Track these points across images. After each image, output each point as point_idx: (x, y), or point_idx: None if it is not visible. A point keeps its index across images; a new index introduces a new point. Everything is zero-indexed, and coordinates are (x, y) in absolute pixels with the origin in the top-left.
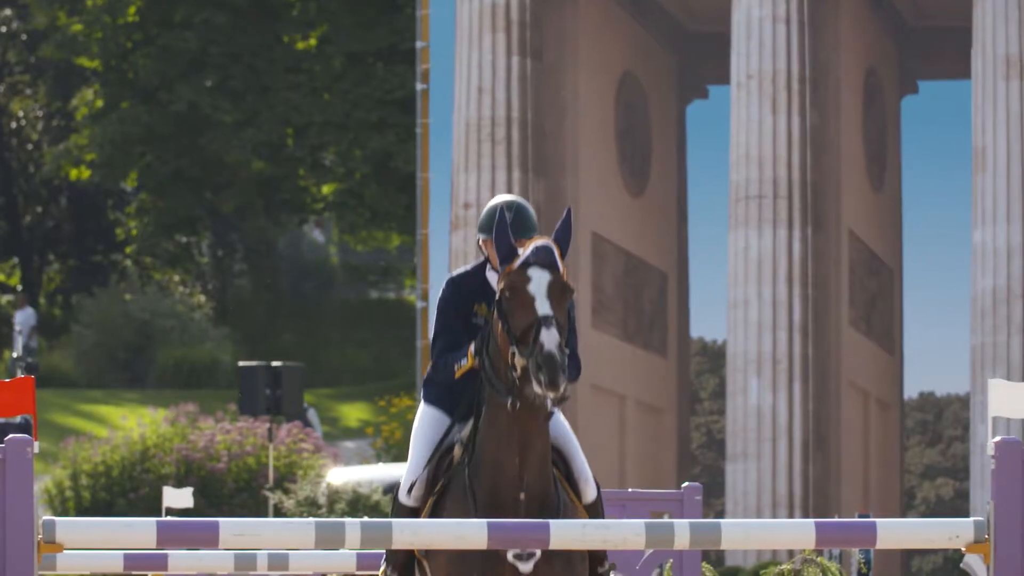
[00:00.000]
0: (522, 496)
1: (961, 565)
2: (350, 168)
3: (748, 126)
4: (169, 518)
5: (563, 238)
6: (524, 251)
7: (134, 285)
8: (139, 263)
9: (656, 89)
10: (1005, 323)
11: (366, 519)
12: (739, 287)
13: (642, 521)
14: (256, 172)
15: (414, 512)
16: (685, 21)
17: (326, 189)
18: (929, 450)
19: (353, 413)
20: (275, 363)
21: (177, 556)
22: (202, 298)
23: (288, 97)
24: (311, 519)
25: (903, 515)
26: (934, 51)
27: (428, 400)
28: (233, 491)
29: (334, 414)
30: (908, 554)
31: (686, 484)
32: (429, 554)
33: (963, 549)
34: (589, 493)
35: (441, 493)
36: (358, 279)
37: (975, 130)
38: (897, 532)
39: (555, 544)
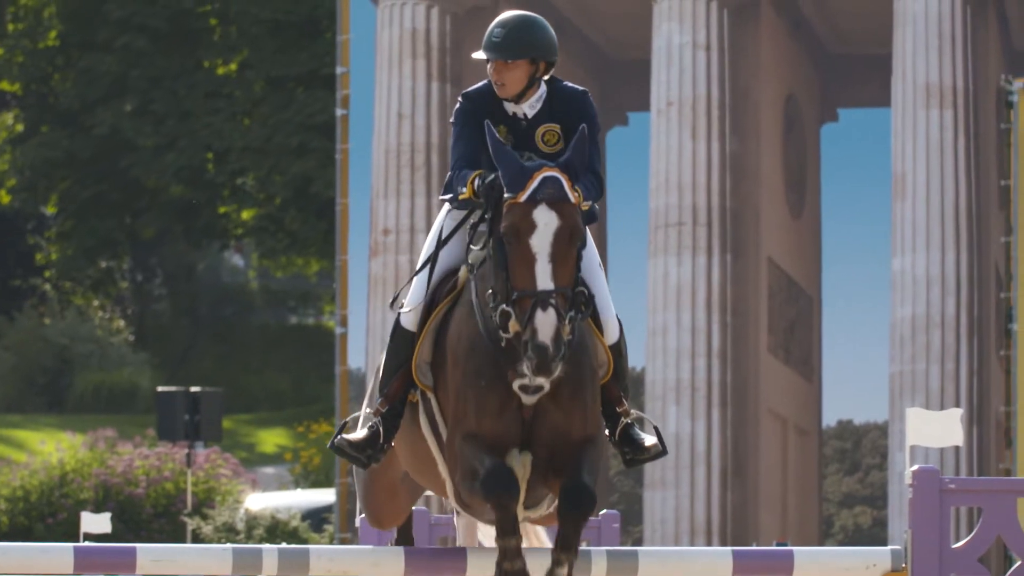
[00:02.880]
0: None
1: None
2: (270, 193)
3: (668, 153)
4: (87, 543)
5: (577, 161)
6: (531, 183)
7: (53, 309)
8: (59, 287)
9: None
10: (924, 351)
11: (284, 545)
12: (658, 314)
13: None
14: (176, 196)
15: (412, 336)
16: (605, 47)
17: (246, 214)
18: (847, 478)
19: (271, 439)
20: (194, 388)
21: None
22: (121, 323)
23: (209, 122)
24: (229, 545)
25: (821, 543)
26: (854, 78)
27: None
28: (151, 516)
29: (252, 440)
30: None
31: (603, 511)
32: (437, 384)
33: None
34: (611, 332)
35: (447, 311)
36: (277, 304)
37: (895, 157)
38: (814, 560)
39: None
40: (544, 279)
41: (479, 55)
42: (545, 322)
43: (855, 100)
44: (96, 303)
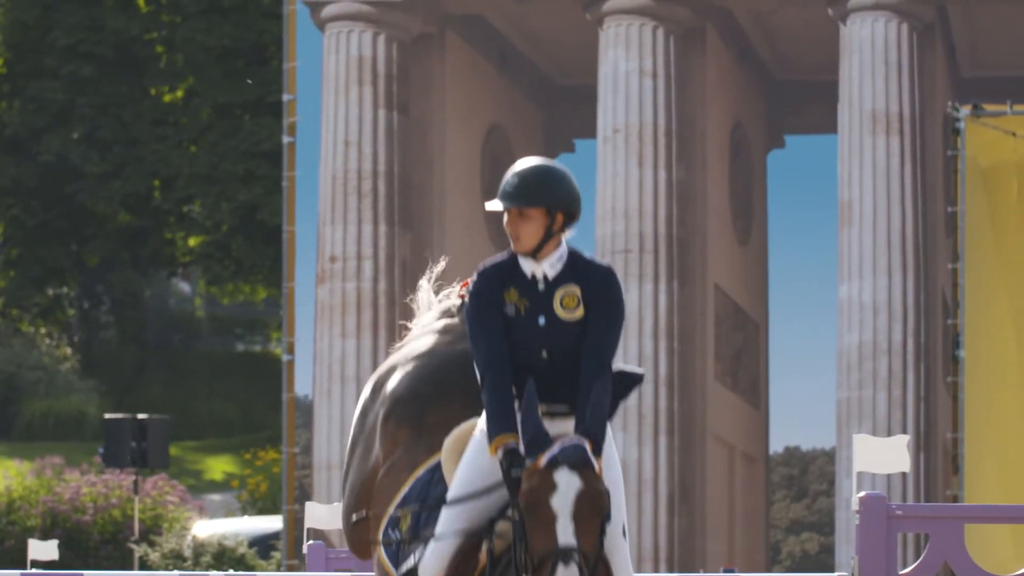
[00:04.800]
0: None
1: None
2: (217, 221)
3: (615, 180)
4: (34, 571)
5: (596, 429)
6: (552, 448)
7: (0, 337)
8: (6, 315)
9: (523, 142)
10: (871, 378)
11: (231, 572)
12: None
13: None
14: (123, 224)
15: None
16: (552, 74)
17: (193, 241)
18: (795, 504)
19: (219, 466)
20: (141, 415)
21: None
22: (68, 350)
23: (155, 149)
24: (176, 572)
25: (768, 570)
26: (801, 105)
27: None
28: (99, 543)
29: (200, 467)
30: None
31: None
32: None
33: None
34: None
35: None
36: (225, 332)
37: (841, 184)
38: None
39: None
40: (566, 535)
41: (493, 205)
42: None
43: (802, 127)
44: (43, 330)
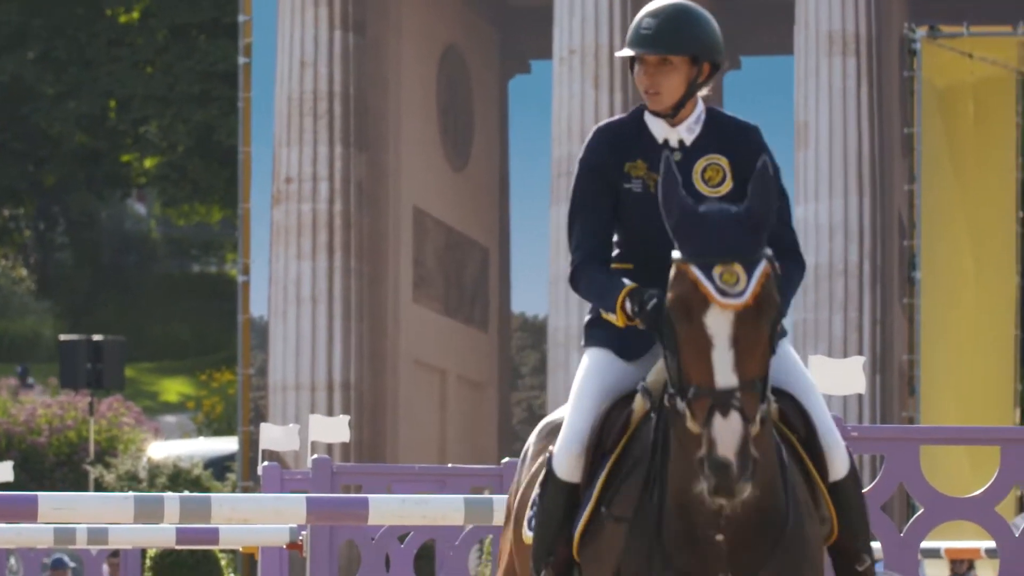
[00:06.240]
0: (719, 538)
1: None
2: (172, 142)
3: (570, 101)
4: None
5: (761, 209)
6: (701, 231)
7: None
8: None
9: (479, 64)
10: (827, 299)
11: (185, 493)
12: (560, 262)
13: (462, 497)
14: (79, 145)
15: (573, 489)
16: None
17: (148, 163)
18: None
19: (174, 387)
20: (96, 337)
21: None
22: (24, 271)
23: (111, 70)
24: (130, 493)
25: None
26: (756, 26)
27: (592, 341)
28: (54, 465)
29: (155, 388)
30: None
31: (506, 460)
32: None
33: None
34: (838, 466)
35: (615, 480)
36: (180, 253)
37: (797, 106)
38: None
39: (373, 519)
40: (724, 373)
41: (625, 53)
42: (726, 431)
43: (758, 48)
44: None
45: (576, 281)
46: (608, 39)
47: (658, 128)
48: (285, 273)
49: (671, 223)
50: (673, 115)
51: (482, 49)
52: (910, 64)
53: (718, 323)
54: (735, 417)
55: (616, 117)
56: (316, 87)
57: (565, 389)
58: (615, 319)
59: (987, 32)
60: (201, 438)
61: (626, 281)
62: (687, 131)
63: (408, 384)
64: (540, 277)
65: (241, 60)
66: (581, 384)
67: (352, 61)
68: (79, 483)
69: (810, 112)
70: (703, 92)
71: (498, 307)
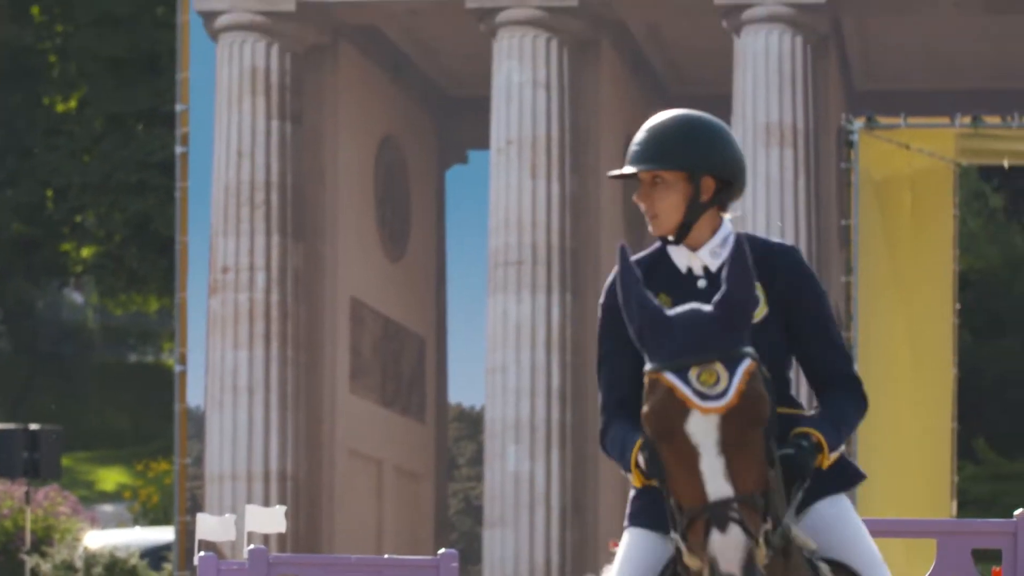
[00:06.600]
0: None
1: None
2: (109, 231)
3: (508, 191)
4: None
5: (738, 297)
6: (672, 333)
7: None
8: None
9: (416, 153)
10: None
11: None
12: (497, 353)
13: None
14: (16, 233)
15: None
16: (446, 85)
17: (85, 252)
18: None
19: (111, 477)
20: (33, 426)
21: None
22: None
23: (48, 159)
24: None
25: None
26: None
27: (633, 520)
28: None
29: (92, 477)
30: None
31: (443, 551)
32: None
33: None
34: None
35: None
36: (117, 342)
37: None
38: None
39: None
40: (716, 482)
41: (617, 172)
42: (727, 547)
43: None
44: None
45: (604, 446)
46: (545, 130)
47: (680, 257)
48: (222, 363)
49: (634, 328)
50: (680, 239)
51: (419, 139)
52: (847, 155)
53: (702, 430)
54: (735, 532)
55: (641, 253)
56: (253, 177)
57: (502, 480)
58: (633, 480)
59: (925, 124)
60: (138, 528)
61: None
62: (711, 256)
63: (345, 474)
64: (477, 368)
65: (178, 149)
66: (619, 564)
67: (289, 151)
68: (15, 573)
69: (747, 203)
70: (730, 215)
71: (435, 397)
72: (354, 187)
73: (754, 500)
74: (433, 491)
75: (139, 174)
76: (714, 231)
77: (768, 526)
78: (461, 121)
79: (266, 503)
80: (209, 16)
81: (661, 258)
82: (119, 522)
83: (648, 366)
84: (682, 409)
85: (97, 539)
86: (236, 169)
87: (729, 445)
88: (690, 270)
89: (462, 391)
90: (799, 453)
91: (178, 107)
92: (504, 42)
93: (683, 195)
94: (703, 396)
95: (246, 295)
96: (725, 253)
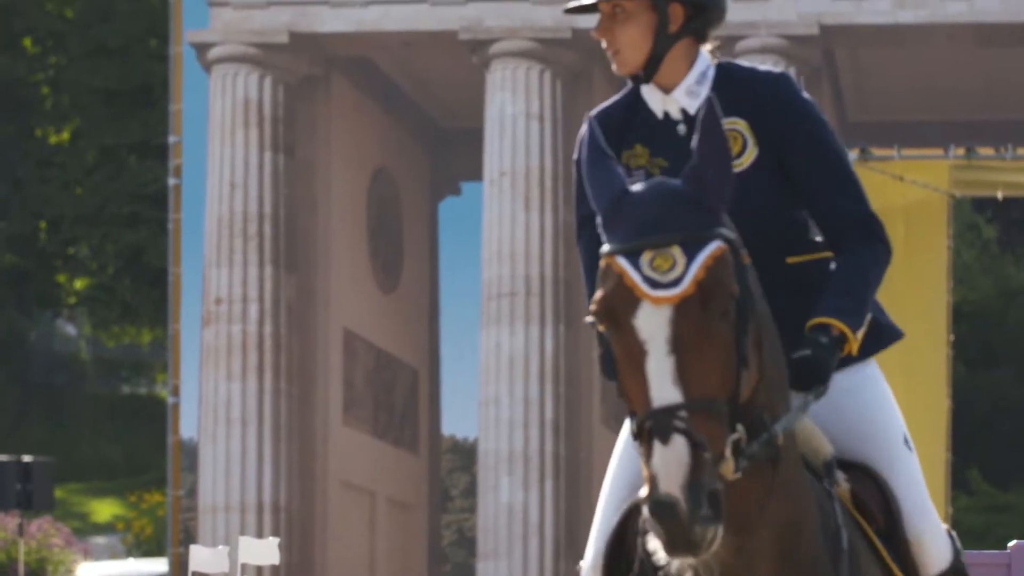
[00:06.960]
0: None
1: None
2: (102, 262)
3: (501, 223)
4: None
5: (713, 163)
6: (632, 212)
7: None
8: None
9: (409, 185)
10: None
11: None
12: (491, 385)
13: None
14: (9, 265)
15: None
16: (438, 117)
17: (78, 283)
18: None
19: (104, 508)
20: (26, 457)
21: None
22: None
23: (41, 191)
24: None
25: None
26: None
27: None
28: None
29: (85, 509)
30: None
31: None
32: None
33: None
34: (934, 558)
35: None
36: (110, 374)
37: None
38: None
39: None
40: (661, 387)
41: (572, 4)
42: (666, 461)
43: None
44: None
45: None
46: (539, 161)
47: (655, 100)
48: (215, 394)
49: (600, 211)
50: (647, 79)
51: (412, 171)
52: None
53: (652, 323)
54: (679, 444)
55: (611, 99)
56: (246, 208)
57: (495, 512)
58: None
59: (918, 155)
60: (131, 559)
61: None
62: (687, 96)
63: (337, 506)
64: (470, 399)
65: (171, 181)
66: (609, 475)
67: (282, 183)
68: None
69: None
70: (707, 46)
71: (428, 429)
72: (347, 219)
73: (713, 407)
74: (426, 522)
75: (132, 206)
76: (690, 66)
77: (738, 435)
78: (454, 153)
79: (259, 534)
80: (202, 48)
81: (635, 103)
82: (112, 554)
83: (603, 247)
84: (630, 298)
85: (90, 571)
86: (229, 201)
87: (683, 343)
88: (667, 115)
89: (455, 423)
90: (817, 353)
91: (171, 139)
92: (497, 74)
93: (648, 25)
94: (654, 284)
95: (239, 327)
96: (704, 91)
